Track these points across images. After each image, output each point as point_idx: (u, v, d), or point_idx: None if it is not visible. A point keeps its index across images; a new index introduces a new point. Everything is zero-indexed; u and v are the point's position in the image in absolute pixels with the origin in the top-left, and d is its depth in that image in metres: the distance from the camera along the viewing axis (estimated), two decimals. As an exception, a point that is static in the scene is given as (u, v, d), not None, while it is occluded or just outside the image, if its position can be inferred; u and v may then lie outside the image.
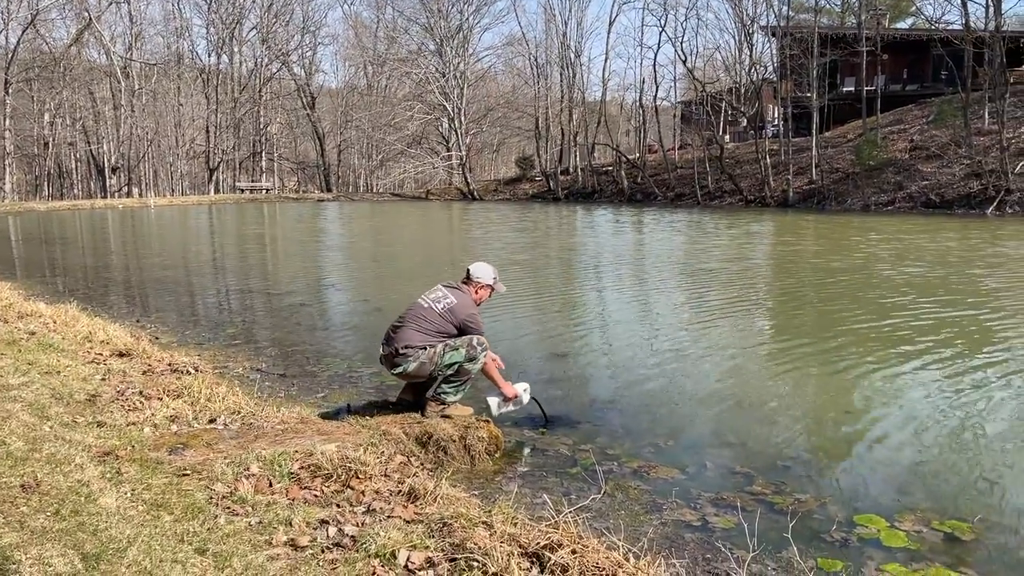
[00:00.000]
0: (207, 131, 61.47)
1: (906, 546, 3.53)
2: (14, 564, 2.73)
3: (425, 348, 4.80)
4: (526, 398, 5.23)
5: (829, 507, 3.95)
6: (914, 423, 5.32)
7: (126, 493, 3.45)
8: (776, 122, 43.02)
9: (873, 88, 35.67)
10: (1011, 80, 30.94)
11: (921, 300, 10.07)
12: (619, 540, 3.08)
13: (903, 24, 46.87)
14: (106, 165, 57.91)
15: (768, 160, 35.86)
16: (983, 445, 4.87)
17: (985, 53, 29.91)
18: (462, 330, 4.90)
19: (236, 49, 64.06)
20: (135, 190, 58.02)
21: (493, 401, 5.13)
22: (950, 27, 36.81)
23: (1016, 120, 30.27)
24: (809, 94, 35.95)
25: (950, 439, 5.02)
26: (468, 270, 5.14)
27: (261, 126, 64.18)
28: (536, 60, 55.20)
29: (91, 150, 59.42)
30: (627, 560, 2.95)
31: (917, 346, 7.51)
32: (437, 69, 56.91)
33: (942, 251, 16.32)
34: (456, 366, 4.83)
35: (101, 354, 6.42)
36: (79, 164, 61.81)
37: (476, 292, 5.08)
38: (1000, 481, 4.34)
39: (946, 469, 4.55)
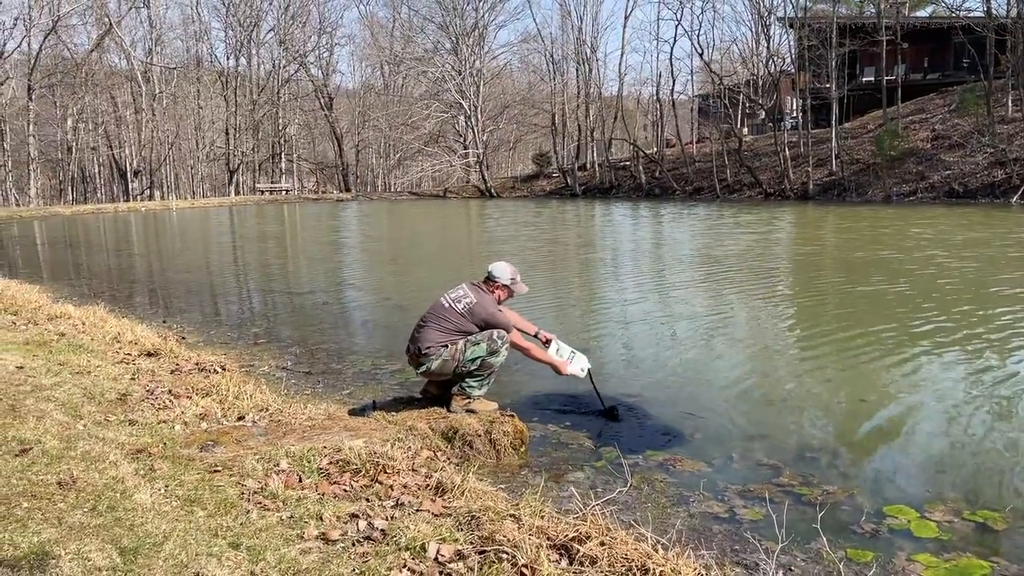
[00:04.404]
0: (226, 133, 61.90)
1: (937, 536, 3.52)
2: (54, 559, 2.78)
3: (447, 346, 4.84)
4: (579, 371, 5.27)
5: (858, 498, 3.93)
6: (941, 412, 5.28)
7: (160, 489, 3.50)
8: (795, 114, 42.67)
9: (893, 78, 35.26)
10: (1035, 67, 30.46)
11: (944, 291, 9.97)
12: (647, 532, 3.09)
13: (923, 12, 46.31)
14: (128, 169, 58.47)
15: (787, 152, 35.60)
16: (1012, 433, 4.82)
17: (1007, 40, 29.50)
18: (483, 328, 4.93)
19: (254, 51, 64.41)
20: (157, 193, 58.55)
21: (576, 368, 5.24)
22: (971, 14, 36.36)
23: (1040, 107, 29.86)
24: (828, 85, 35.62)
25: (978, 428, 4.98)
26: (488, 270, 5.16)
27: (280, 127, 64.51)
28: (552, 56, 55.12)
29: (113, 154, 59.99)
30: (656, 551, 2.95)
31: (941, 336, 7.44)
32: (453, 67, 56.94)
33: (966, 242, 16.13)
34: (479, 360, 4.86)
35: (130, 354, 6.51)
36: (102, 168, 62.43)
37: (495, 292, 5.10)
38: (1031, 470, 4.29)
39: (975, 458, 4.51)
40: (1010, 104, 30.60)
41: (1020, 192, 26.19)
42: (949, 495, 3.95)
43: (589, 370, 5.32)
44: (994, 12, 31.05)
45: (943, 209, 24.87)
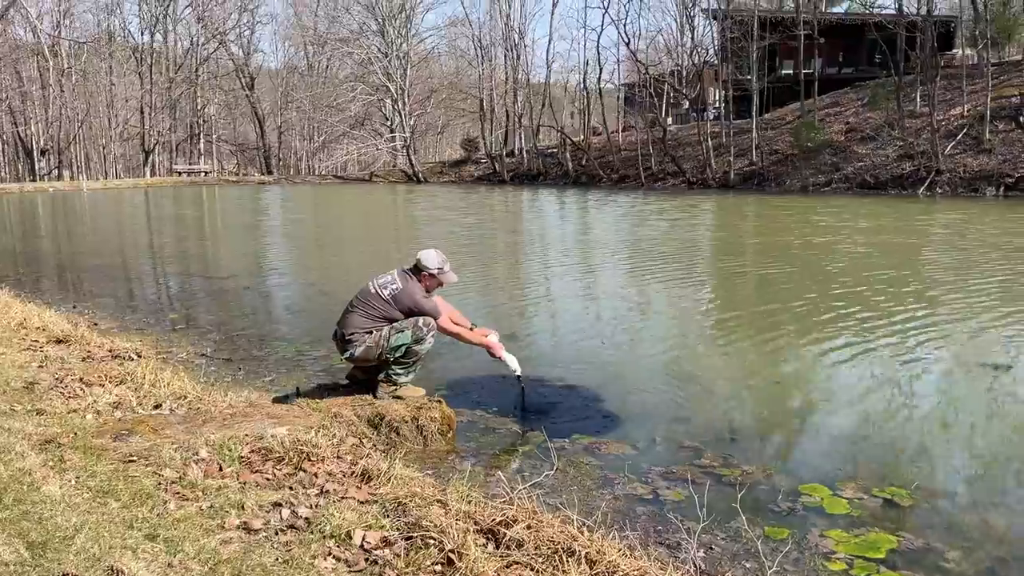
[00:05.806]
0: (141, 112, 59.49)
1: (848, 513, 3.66)
2: (-46, 555, 2.64)
3: (372, 332, 4.77)
4: (511, 361, 5.17)
5: (775, 477, 4.06)
6: (852, 394, 5.51)
7: (70, 481, 3.36)
8: (717, 105, 43.57)
9: (811, 71, 36.31)
10: (942, 64, 31.84)
11: (855, 277, 10.37)
12: (573, 514, 3.12)
13: (839, 9, 47.76)
14: (35, 147, 55.70)
15: (710, 142, 36.33)
16: (918, 414, 5.06)
17: (917, 37, 30.75)
18: (408, 316, 4.85)
19: (171, 27, 62.11)
20: (66, 173, 55.97)
21: (509, 358, 5.12)
22: (884, 12, 37.78)
23: (946, 103, 31.20)
24: (749, 77, 36.51)
25: (887, 408, 5.20)
26: (417, 257, 5.05)
27: (198, 107, 62.35)
28: (480, 41, 54.80)
29: (18, 131, 57.04)
30: (581, 533, 2.99)
31: (851, 320, 7.74)
32: (379, 49, 56.00)
33: (869, 230, 16.82)
34: (404, 348, 4.79)
35: (37, 341, 6.21)
36: (6, 147, 59.30)
37: (423, 280, 4.98)
38: (935, 448, 4.52)
39: (884, 438, 4.72)
40: (918, 99, 31.91)
41: (926, 184, 27.40)
42: (860, 473, 4.12)
43: (519, 377, 5.21)
44: (905, 10, 32.36)
45: (854, 199, 25.85)
